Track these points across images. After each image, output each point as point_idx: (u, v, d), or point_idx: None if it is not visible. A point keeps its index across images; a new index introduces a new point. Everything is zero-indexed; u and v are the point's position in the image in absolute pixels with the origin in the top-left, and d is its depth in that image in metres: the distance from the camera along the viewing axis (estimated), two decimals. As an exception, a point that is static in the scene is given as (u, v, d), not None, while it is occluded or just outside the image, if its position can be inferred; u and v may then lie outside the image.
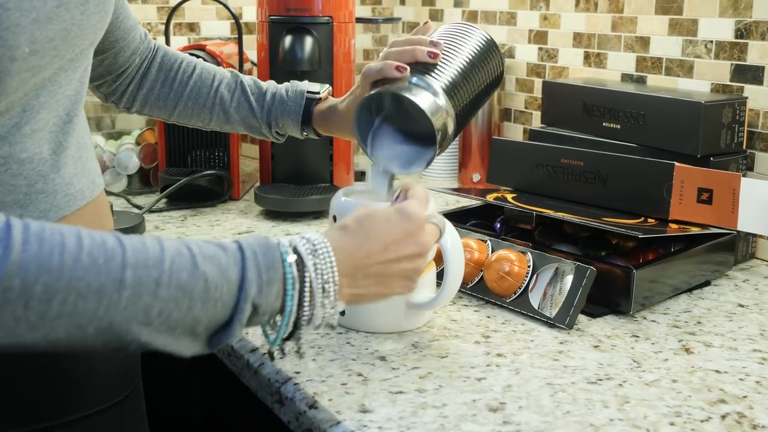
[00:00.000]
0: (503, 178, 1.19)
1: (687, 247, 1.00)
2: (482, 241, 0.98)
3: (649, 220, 1.01)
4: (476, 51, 0.84)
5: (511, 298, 0.92)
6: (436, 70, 0.80)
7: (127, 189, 1.49)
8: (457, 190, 1.21)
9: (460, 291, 0.95)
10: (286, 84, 0.94)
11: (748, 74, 1.15)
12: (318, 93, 0.93)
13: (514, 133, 1.57)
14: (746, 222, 1.02)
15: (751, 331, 0.88)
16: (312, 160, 1.36)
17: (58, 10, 0.60)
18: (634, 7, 1.31)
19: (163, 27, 1.62)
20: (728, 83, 1.18)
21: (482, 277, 0.95)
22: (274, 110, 0.92)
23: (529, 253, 0.93)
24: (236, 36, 1.71)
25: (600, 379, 0.76)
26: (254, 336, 0.84)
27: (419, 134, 0.80)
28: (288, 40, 1.28)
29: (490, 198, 1.09)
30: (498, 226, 1.12)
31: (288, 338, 0.63)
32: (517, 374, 0.76)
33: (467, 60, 0.83)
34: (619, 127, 1.18)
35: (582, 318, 0.90)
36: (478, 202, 1.18)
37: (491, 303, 0.94)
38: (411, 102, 0.77)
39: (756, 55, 1.14)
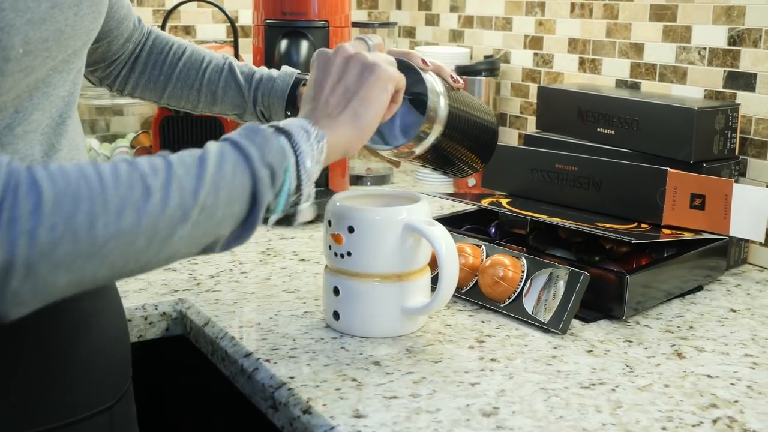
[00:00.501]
0: (498, 183, 1.20)
1: (680, 252, 1.00)
2: (477, 245, 0.99)
3: (643, 225, 1.02)
4: (480, 106, 0.85)
5: (506, 303, 0.92)
6: (448, 86, 0.80)
7: (121, 192, 1.49)
8: (452, 195, 1.21)
9: (454, 296, 0.96)
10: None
11: (741, 81, 1.16)
12: (307, 75, 0.91)
13: (509, 138, 1.58)
14: (738, 227, 1.03)
15: (743, 336, 0.89)
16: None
17: (51, 11, 0.60)
18: (629, 13, 1.32)
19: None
20: (721, 90, 1.19)
21: (476, 281, 0.95)
22: (262, 87, 0.91)
23: (523, 258, 0.94)
24: (232, 39, 1.71)
25: (593, 384, 0.76)
26: (248, 341, 0.84)
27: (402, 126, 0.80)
28: (284, 44, 1.28)
29: (485, 203, 1.10)
30: (492, 230, 1.12)
31: (294, 202, 0.64)
32: (511, 379, 0.76)
33: (473, 111, 0.83)
34: (613, 132, 1.19)
35: (575, 323, 0.90)
36: (473, 206, 1.18)
37: (485, 308, 0.94)
38: (422, 80, 0.76)
39: (749, 62, 1.15)
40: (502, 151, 1.19)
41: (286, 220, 0.68)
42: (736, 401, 0.74)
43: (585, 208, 1.08)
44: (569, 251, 1.04)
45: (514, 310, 0.91)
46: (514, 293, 0.92)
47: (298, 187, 0.63)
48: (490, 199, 1.13)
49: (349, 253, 0.83)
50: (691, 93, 1.23)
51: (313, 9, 1.29)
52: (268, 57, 1.31)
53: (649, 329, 0.90)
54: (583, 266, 0.92)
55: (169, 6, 1.65)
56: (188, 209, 0.55)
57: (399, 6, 1.85)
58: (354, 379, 0.75)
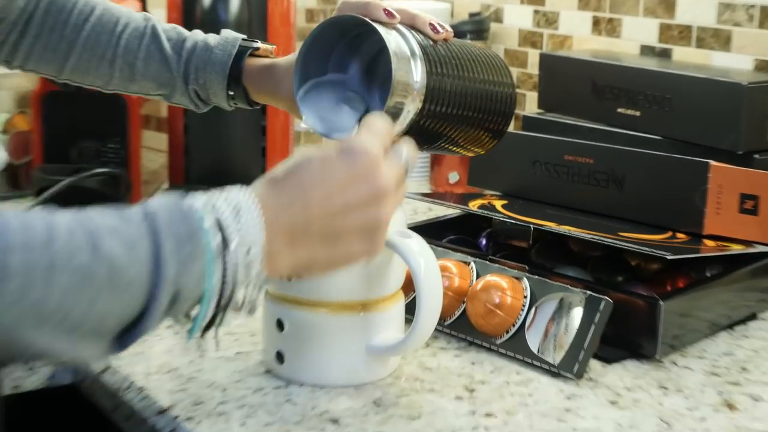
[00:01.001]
0: (489, 179, 1.20)
1: (727, 270, 1.01)
2: (464, 263, 0.98)
3: (678, 235, 1.02)
4: (484, 61, 0.84)
5: (503, 339, 0.92)
6: (428, 41, 0.79)
7: (-10, 191, 1.47)
8: (430, 195, 1.21)
9: (435, 329, 0.94)
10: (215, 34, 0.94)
11: (802, 48, 1.17)
12: (255, 42, 0.92)
13: (502, 120, 1.57)
14: (802, 238, 1.03)
15: (810, 380, 0.89)
16: (238, 153, 1.35)
17: None
18: (657, -41, 1.33)
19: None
20: (776, 59, 1.20)
21: (465, 310, 0.95)
22: (195, 59, 0.91)
23: (525, 279, 0.94)
24: (138, -10, 1.69)
25: (620, 447, 0.76)
26: (162, 392, 0.83)
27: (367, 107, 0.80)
28: (207, -4, 1.27)
29: (473, 206, 1.10)
30: (484, 242, 1.12)
31: (208, 327, 0.63)
32: (513, 441, 0.76)
33: (471, 72, 0.82)
34: (638, 114, 1.19)
35: (594, 364, 0.90)
36: (457, 211, 1.18)
37: (476, 345, 0.94)
38: (380, 40, 0.75)
39: (811, 24, 1.16)
40: (496, 138, 1.19)
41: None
42: (805, 467, 0.74)
43: (603, 212, 1.08)
44: (584, 270, 1.04)
45: (514, 347, 0.91)
46: (513, 326, 0.92)
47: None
48: (479, 201, 1.13)
49: (296, 275, 0.82)
50: (737, 63, 1.24)
51: (247, -50, 1.28)
52: (188, 13, 1.29)
53: (690, 372, 0.90)
54: (602, 289, 0.92)
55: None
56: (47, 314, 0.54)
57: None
58: (304, 444, 0.74)
